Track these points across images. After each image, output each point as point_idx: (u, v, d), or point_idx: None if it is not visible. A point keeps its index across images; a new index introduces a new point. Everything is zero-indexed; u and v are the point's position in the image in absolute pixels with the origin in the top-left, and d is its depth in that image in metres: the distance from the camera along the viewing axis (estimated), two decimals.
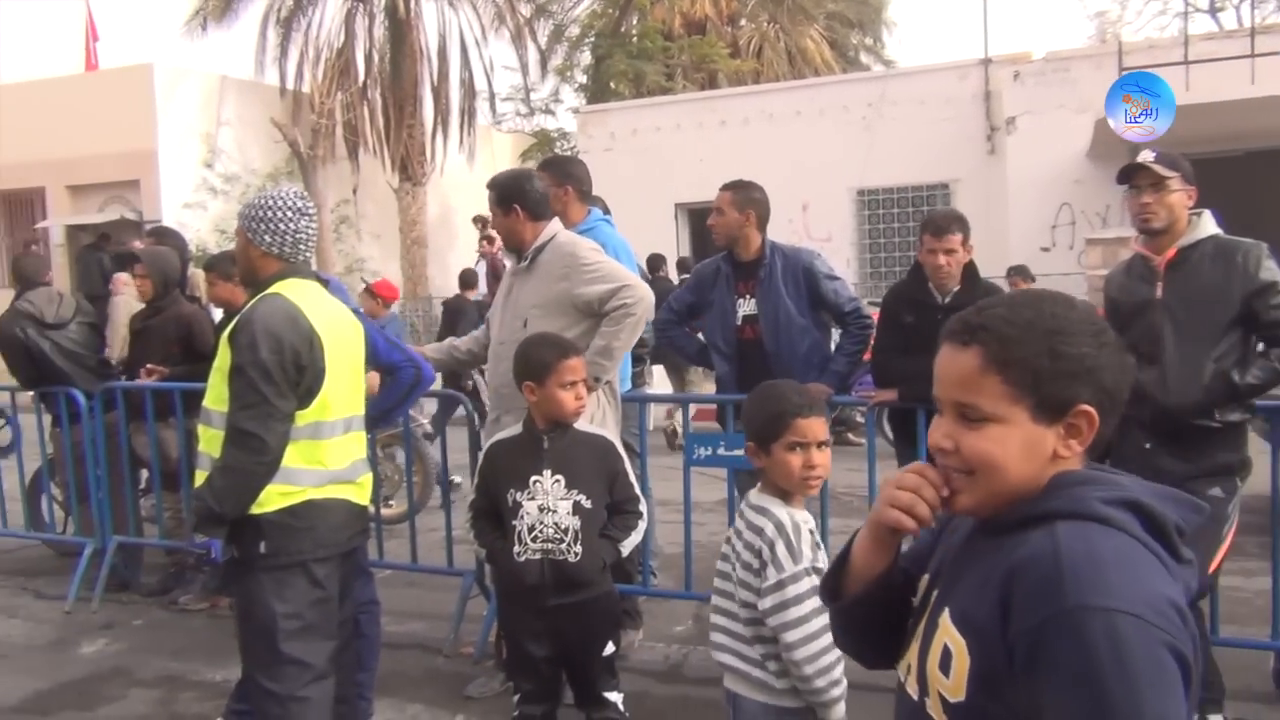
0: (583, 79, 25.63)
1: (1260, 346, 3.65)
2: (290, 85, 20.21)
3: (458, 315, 10.19)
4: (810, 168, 15.87)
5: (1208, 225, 3.66)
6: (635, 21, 24.92)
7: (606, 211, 4.94)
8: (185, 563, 5.95)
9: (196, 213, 17.90)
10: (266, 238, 3.22)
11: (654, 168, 17.23)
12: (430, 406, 8.25)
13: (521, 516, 3.26)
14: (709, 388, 8.43)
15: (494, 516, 3.38)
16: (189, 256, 6.83)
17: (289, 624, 3.11)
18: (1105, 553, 1.20)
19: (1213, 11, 25.08)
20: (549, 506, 3.26)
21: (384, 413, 4.32)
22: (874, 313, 4.84)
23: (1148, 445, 3.57)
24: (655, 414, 8.95)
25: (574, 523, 3.26)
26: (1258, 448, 3.88)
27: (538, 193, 4.15)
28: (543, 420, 3.35)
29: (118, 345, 6.74)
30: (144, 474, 6.32)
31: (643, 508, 3.49)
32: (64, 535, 6.60)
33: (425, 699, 4.40)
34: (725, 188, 4.82)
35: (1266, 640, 4.19)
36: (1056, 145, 14.38)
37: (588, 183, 4.80)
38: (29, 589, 6.23)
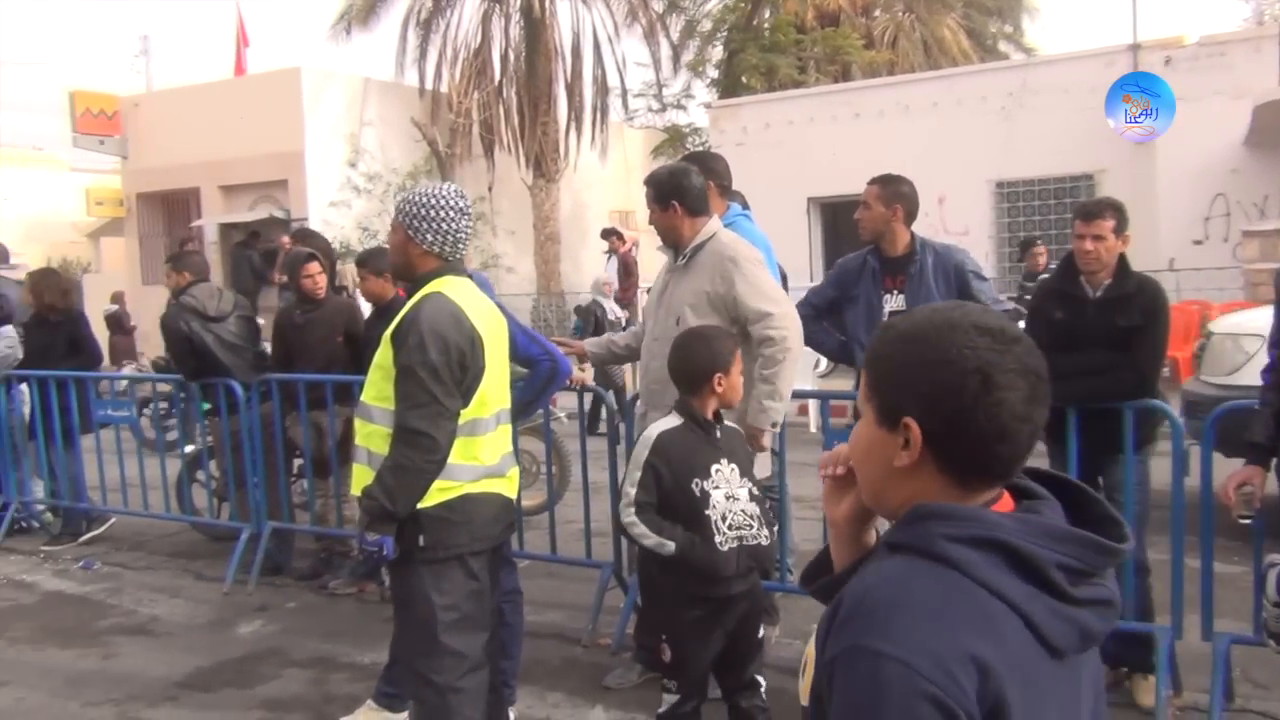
0: (714, 74, 25.55)
1: None
2: (429, 85, 20.64)
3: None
4: (947, 160, 15.51)
5: None
6: (768, 15, 24.74)
7: (746, 206, 4.92)
8: (334, 548, 6.18)
9: (341, 211, 18.46)
10: (429, 236, 3.23)
11: (786, 162, 17.07)
12: (565, 400, 8.34)
13: (714, 506, 3.24)
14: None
15: (661, 510, 3.28)
16: (334, 255, 7.12)
17: (447, 615, 3.18)
18: (908, 595, 1.16)
19: None
20: (733, 494, 3.27)
21: (524, 405, 4.37)
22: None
23: None
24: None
25: (756, 508, 3.30)
26: None
27: (697, 189, 4.12)
28: (711, 411, 3.35)
29: None
30: (296, 462, 6.59)
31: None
32: (219, 520, 6.92)
33: (566, 688, 4.47)
34: (872, 182, 4.73)
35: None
36: (1211, 133, 13.80)
37: (728, 178, 4.77)
38: (190, 570, 6.56)
